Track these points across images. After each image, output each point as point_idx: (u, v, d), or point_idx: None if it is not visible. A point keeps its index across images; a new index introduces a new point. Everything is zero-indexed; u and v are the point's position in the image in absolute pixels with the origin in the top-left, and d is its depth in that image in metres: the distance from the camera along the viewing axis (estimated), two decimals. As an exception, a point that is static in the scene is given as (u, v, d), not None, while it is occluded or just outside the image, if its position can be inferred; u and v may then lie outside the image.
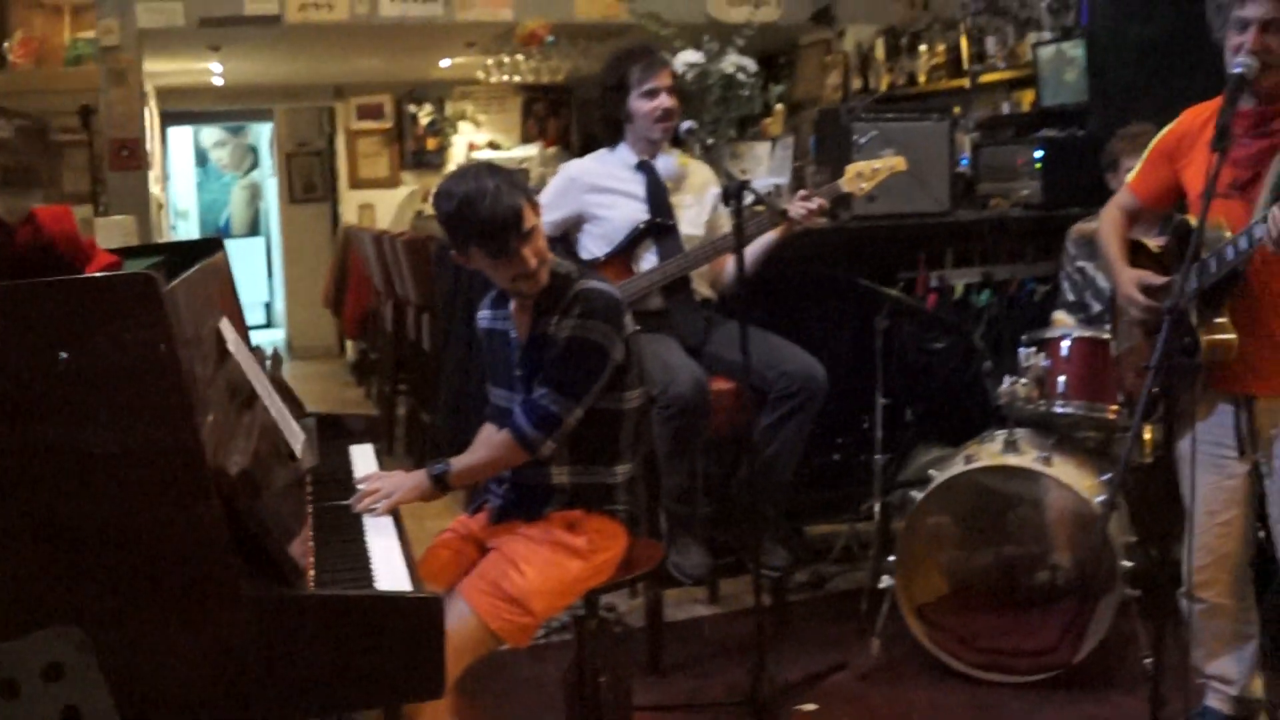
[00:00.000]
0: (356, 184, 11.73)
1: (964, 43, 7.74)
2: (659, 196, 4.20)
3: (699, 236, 4.25)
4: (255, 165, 14.58)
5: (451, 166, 11.63)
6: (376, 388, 8.87)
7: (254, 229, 14.61)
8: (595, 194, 4.20)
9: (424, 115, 11.69)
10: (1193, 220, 2.96)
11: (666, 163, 4.25)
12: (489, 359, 3.24)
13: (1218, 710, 3.34)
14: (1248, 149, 3.02)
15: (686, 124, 4.06)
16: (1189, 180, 3.17)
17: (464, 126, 11.86)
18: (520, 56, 9.11)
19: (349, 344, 10.99)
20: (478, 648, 2.79)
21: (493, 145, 11.74)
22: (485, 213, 2.84)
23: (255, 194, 14.63)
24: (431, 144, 11.72)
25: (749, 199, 3.54)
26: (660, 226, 4.17)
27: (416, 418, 7.17)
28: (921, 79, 8.29)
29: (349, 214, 11.58)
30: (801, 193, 4.11)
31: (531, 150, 10.96)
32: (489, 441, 3.05)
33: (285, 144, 12.39)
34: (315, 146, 12.39)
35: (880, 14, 9.03)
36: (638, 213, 4.17)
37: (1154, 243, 3.37)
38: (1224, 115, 2.84)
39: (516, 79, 9.80)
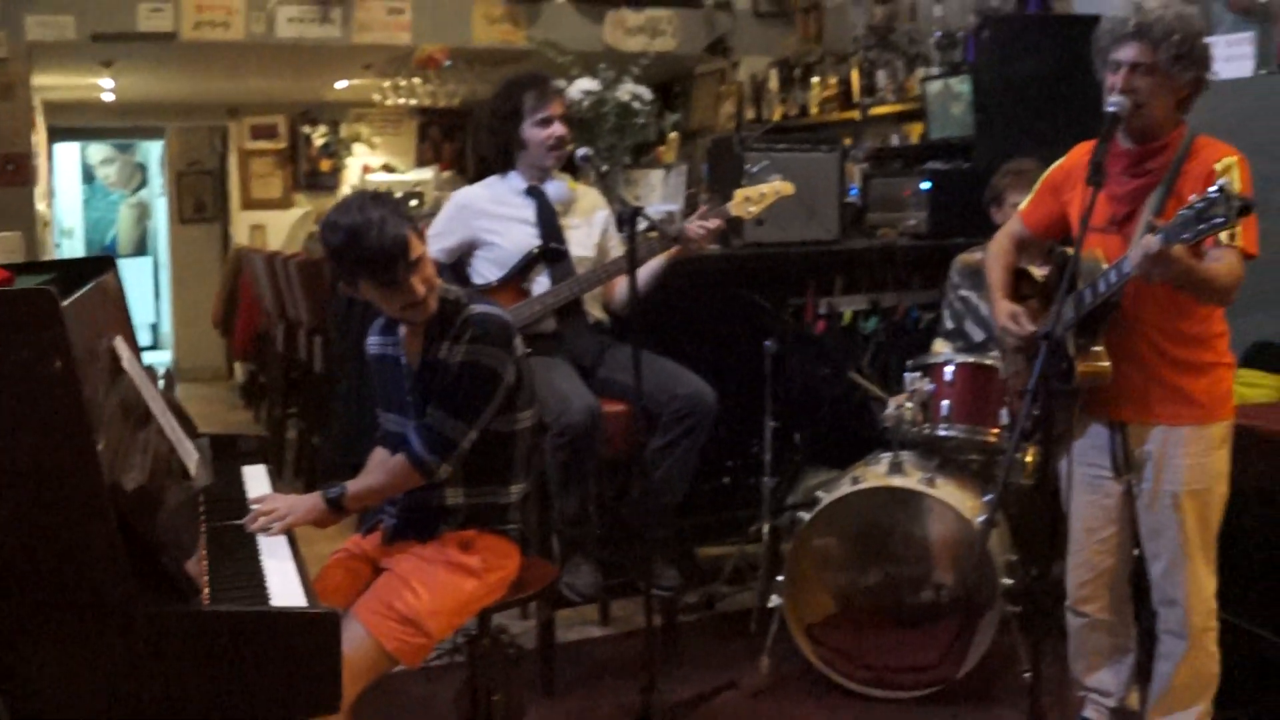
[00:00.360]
0: (249, 205, 11.60)
1: (855, 76, 7.91)
2: (550, 221, 4.24)
3: (590, 258, 4.30)
4: (144, 184, 14.37)
5: (346, 189, 11.57)
6: (266, 411, 8.78)
7: (141, 249, 14.38)
8: (486, 220, 4.23)
9: (318, 136, 11.63)
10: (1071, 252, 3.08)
11: (556, 187, 4.29)
12: (379, 384, 3.25)
13: (1096, 722, 3.46)
14: (1125, 186, 3.15)
15: (582, 150, 4.12)
16: (1073, 213, 3.29)
17: (358, 149, 11.81)
18: (417, 80, 9.12)
19: (238, 366, 10.86)
20: (374, 668, 2.79)
21: (387, 168, 11.70)
22: (372, 244, 2.86)
23: (143, 213, 14.41)
24: (325, 166, 11.66)
25: (642, 225, 3.60)
26: (552, 251, 4.21)
27: (307, 441, 7.12)
28: (814, 110, 8.45)
29: (240, 235, 11.46)
30: (700, 211, 4.18)
31: (427, 174, 10.95)
32: (385, 465, 3.07)
33: (176, 162, 12.24)
34: (207, 166, 12.26)
35: (774, 46, 9.20)
36: (529, 238, 4.21)
37: (1039, 271, 3.49)
38: (1098, 152, 2.97)
39: (413, 102, 9.80)
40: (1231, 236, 2.84)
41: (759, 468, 4.69)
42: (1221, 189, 2.64)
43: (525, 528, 3.16)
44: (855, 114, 7.87)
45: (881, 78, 7.65)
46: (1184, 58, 3.01)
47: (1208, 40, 3.08)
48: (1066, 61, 5.84)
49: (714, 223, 4.11)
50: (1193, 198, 2.72)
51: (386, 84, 9.39)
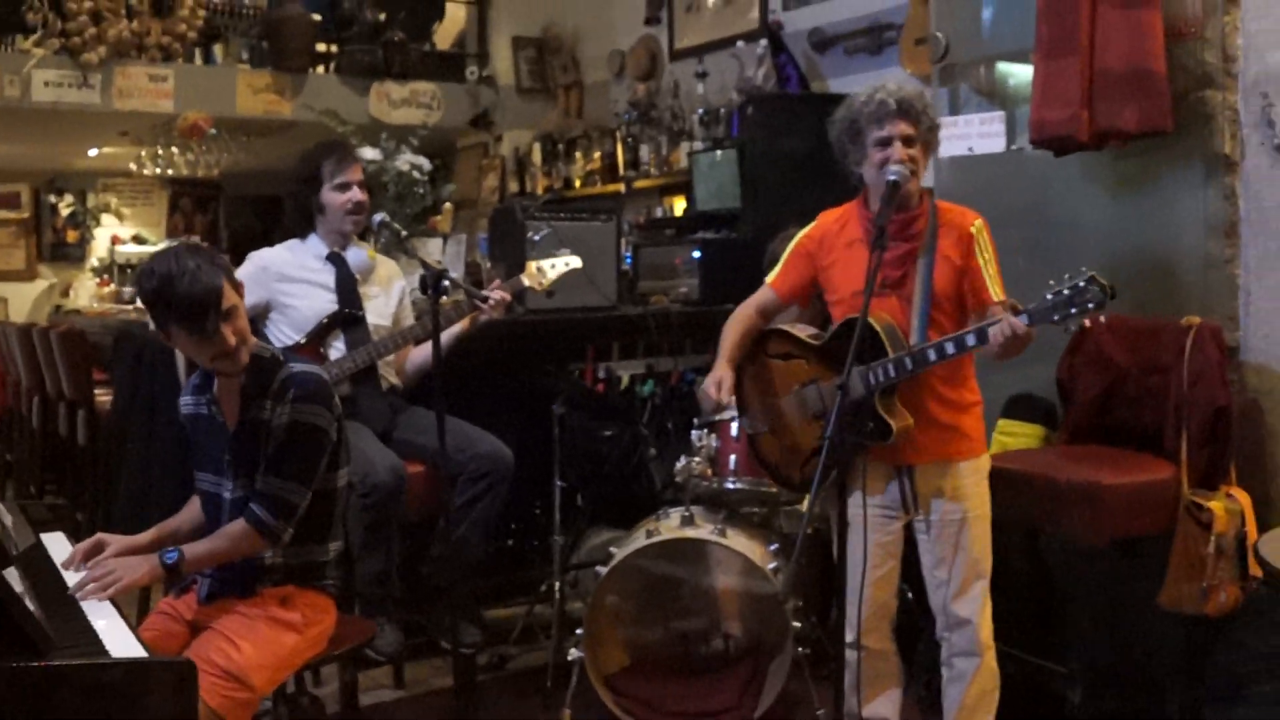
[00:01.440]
0: (-13, 277, 11.14)
1: (620, 150, 8.15)
2: (349, 287, 4.29)
3: (385, 327, 4.35)
4: None
5: (94, 260, 11.25)
6: (15, 490, 8.40)
7: None
8: (285, 283, 4.25)
9: (65, 206, 11.26)
10: (872, 320, 3.31)
11: (357, 255, 4.35)
12: (194, 445, 3.23)
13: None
14: (894, 251, 3.39)
15: (379, 216, 4.19)
16: (835, 279, 3.52)
17: (107, 219, 11.48)
18: (175, 149, 8.96)
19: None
20: (197, 727, 2.76)
21: (138, 239, 11.41)
22: (184, 291, 2.87)
23: None
24: (72, 236, 11.30)
25: (448, 286, 3.69)
26: (349, 317, 4.26)
27: (70, 517, 6.85)
28: (577, 183, 8.66)
29: (-23, 308, 10.99)
30: (494, 284, 4.28)
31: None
32: (225, 532, 3.00)
33: (-100, 234, 11.64)
34: (-63, 237, 11.70)
35: (536, 121, 9.40)
36: (327, 303, 4.24)
37: (804, 332, 3.68)
38: (881, 216, 3.18)
39: (170, 172, 9.59)
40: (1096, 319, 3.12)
41: (542, 529, 4.77)
42: (1092, 277, 2.92)
43: (342, 585, 3.18)
44: (619, 186, 8.10)
45: (645, 151, 7.90)
46: (933, 129, 3.40)
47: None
48: (822, 137, 6.18)
49: (499, 294, 4.22)
50: (1055, 284, 3.01)
51: (144, 152, 9.16)
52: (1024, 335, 3.06)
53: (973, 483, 3.45)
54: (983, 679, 3.47)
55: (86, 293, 10.82)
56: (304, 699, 3.10)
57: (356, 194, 4.26)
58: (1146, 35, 3.90)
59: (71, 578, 2.83)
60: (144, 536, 3.12)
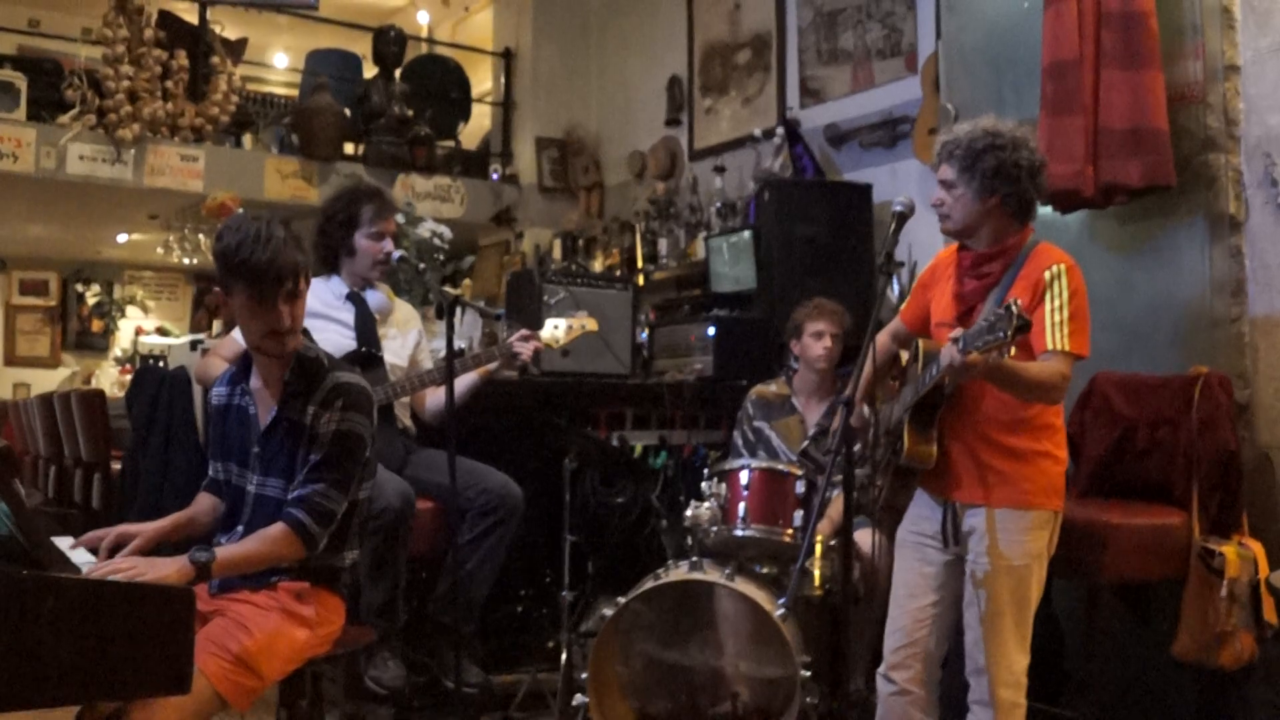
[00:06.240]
0: (12, 361, 11.25)
1: (638, 244, 8.26)
2: (368, 327, 4.36)
3: (402, 367, 4.41)
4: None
5: (117, 351, 11.39)
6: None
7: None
8: (306, 318, 4.29)
9: (91, 296, 11.43)
10: (926, 346, 3.41)
11: (376, 296, 4.43)
12: (220, 435, 3.22)
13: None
14: (966, 287, 3.45)
15: (397, 252, 4.28)
16: (932, 308, 3.58)
17: (132, 311, 11.64)
18: (202, 235, 9.09)
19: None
20: (201, 709, 2.70)
21: (161, 331, 11.55)
22: (261, 254, 2.88)
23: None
24: (97, 326, 11.45)
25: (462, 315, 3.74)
26: (368, 356, 4.31)
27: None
28: (597, 276, 8.76)
29: (3, 392, 11.07)
30: (522, 332, 4.33)
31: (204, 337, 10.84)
32: (263, 535, 2.95)
33: (-68, 317, 11.82)
34: (-33, 320, 11.87)
35: (557, 219, 9.54)
36: (346, 340, 4.30)
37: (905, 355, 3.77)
38: (886, 243, 3.25)
39: (196, 260, 9.72)
40: (1009, 350, 2.96)
41: (551, 595, 4.72)
42: (1008, 308, 2.85)
43: (353, 593, 3.18)
44: (639, 280, 8.17)
45: (664, 245, 8.00)
46: (969, 170, 3.32)
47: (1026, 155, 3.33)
48: (837, 223, 6.31)
49: (534, 343, 4.28)
50: (991, 309, 3.02)
51: (171, 237, 9.30)
52: (959, 363, 2.98)
53: (1014, 533, 3.32)
54: None
55: (108, 379, 10.95)
56: (304, 701, 3.06)
57: (389, 245, 4.37)
58: (1149, 94, 4.01)
59: (80, 555, 2.84)
60: (163, 523, 3.11)
